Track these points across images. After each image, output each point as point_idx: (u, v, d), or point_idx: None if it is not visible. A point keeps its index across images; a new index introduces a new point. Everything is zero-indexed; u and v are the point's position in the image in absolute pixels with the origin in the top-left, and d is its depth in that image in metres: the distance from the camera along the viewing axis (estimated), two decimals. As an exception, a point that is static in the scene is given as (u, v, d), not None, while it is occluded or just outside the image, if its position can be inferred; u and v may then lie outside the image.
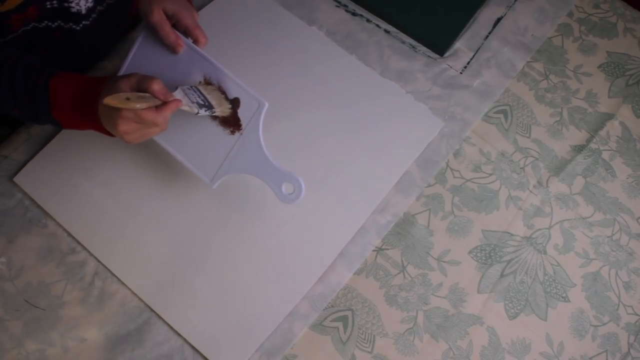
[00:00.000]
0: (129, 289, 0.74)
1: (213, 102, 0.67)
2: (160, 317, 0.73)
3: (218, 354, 0.72)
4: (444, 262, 0.80)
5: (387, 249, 0.80)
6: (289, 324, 0.74)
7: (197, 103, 0.65)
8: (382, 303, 0.77)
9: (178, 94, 0.63)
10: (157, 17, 0.66)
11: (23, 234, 0.75)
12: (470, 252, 0.81)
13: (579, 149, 0.89)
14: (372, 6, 0.94)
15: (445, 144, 0.86)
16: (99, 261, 0.75)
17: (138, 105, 0.58)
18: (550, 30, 0.97)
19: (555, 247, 0.82)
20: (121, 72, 0.70)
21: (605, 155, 0.89)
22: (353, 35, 0.92)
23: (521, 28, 0.96)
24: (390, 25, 0.94)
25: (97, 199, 0.77)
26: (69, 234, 0.76)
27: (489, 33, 0.95)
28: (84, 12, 0.72)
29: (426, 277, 0.79)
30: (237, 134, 0.70)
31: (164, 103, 0.61)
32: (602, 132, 0.90)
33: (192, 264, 0.75)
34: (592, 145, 0.89)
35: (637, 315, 0.79)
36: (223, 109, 0.69)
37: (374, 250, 0.79)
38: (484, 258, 0.81)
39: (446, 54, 0.92)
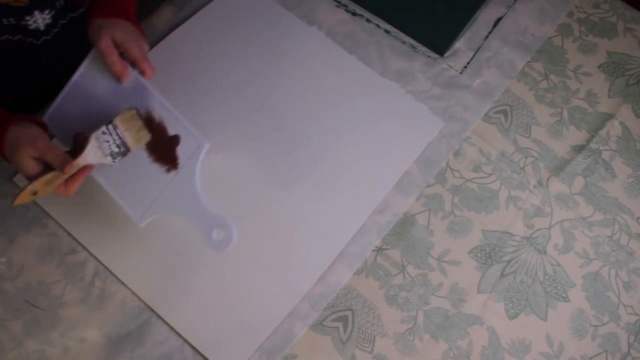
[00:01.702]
0: (129, 289, 0.74)
1: (129, 140, 0.65)
2: (160, 317, 0.73)
3: (218, 354, 0.72)
4: (444, 262, 0.80)
5: (387, 249, 0.80)
6: (289, 324, 0.74)
7: (112, 152, 0.64)
8: (382, 303, 0.77)
9: (92, 148, 0.62)
10: (105, 44, 0.65)
11: (23, 234, 0.75)
12: (470, 252, 0.81)
13: (579, 149, 0.89)
14: (372, 6, 0.94)
15: (445, 144, 0.86)
16: (99, 261, 0.75)
17: (46, 193, 0.59)
18: (550, 30, 0.97)
19: (555, 247, 0.82)
20: (63, 93, 0.69)
21: (605, 155, 0.89)
22: (353, 35, 0.92)
23: (521, 28, 0.96)
24: (390, 25, 0.94)
25: (97, 199, 0.77)
26: (69, 234, 0.76)
27: (489, 33, 0.95)
28: (42, 28, 0.72)
29: (426, 277, 0.79)
30: (172, 172, 0.67)
31: (73, 175, 0.61)
32: (602, 132, 0.90)
33: (192, 264, 0.75)
34: (592, 145, 0.89)
35: (637, 315, 0.79)
36: (139, 143, 0.66)
37: (374, 250, 0.79)
38: (484, 258, 0.81)
39: (446, 54, 0.92)
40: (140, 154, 0.68)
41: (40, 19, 0.71)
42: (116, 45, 0.65)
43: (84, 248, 0.75)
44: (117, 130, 0.64)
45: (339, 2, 0.95)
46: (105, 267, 0.74)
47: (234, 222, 0.66)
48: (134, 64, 0.67)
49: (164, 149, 0.68)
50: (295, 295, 0.75)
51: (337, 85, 0.87)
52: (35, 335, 0.71)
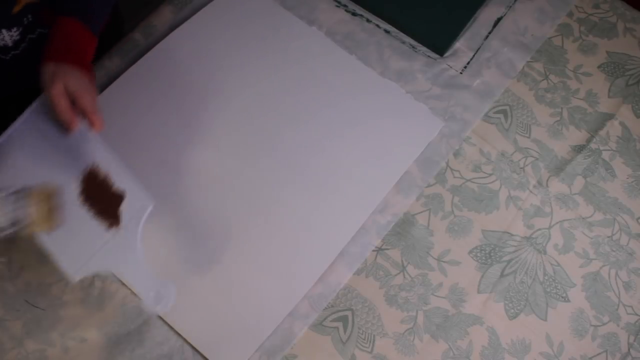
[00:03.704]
0: (129, 289, 0.74)
1: (33, 219, 0.60)
2: (160, 317, 0.73)
3: (218, 354, 0.72)
4: (444, 262, 0.80)
5: (387, 249, 0.80)
6: (289, 324, 0.74)
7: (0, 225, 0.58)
8: (382, 303, 0.77)
9: None
10: (56, 91, 0.62)
11: (23, 234, 0.75)
12: (470, 252, 0.81)
13: (579, 149, 0.89)
14: (372, 6, 0.94)
15: (445, 144, 0.86)
16: (99, 261, 0.75)
17: None
18: (550, 30, 0.97)
19: (555, 247, 0.82)
20: (7, 134, 0.66)
21: (605, 155, 0.89)
22: (353, 35, 0.92)
23: (521, 28, 0.96)
24: (390, 25, 0.94)
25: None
26: (69, 234, 0.76)
27: (489, 33, 0.95)
28: (10, 44, 0.72)
29: (426, 277, 0.79)
30: (114, 229, 0.64)
31: None
32: (602, 132, 0.90)
33: (192, 264, 0.75)
34: (592, 145, 0.89)
35: (637, 315, 0.79)
36: (41, 227, 0.61)
37: (374, 250, 0.79)
38: (484, 258, 0.81)
39: (446, 54, 0.92)
40: (78, 208, 0.65)
41: (7, 37, 0.70)
42: (68, 93, 0.63)
43: (84, 248, 0.75)
44: (23, 202, 0.59)
45: (339, 2, 0.95)
46: (105, 267, 0.74)
47: (174, 284, 0.65)
48: (83, 115, 0.65)
49: (106, 205, 0.65)
50: (295, 295, 0.75)
51: (337, 85, 0.87)
52: (35, 335, 0.71)
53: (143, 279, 0.65)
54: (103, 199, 0.65)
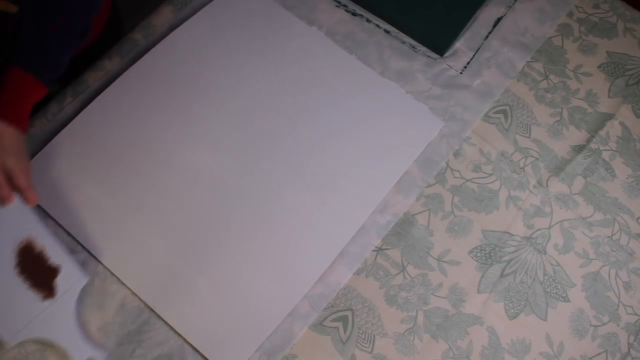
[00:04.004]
0: (129, 289, 0.74)
1: None
2: (160, 317, 0.73)
3: (218, 354, 0.72)
4: (444, 262, 0.80)
5: (387, 249, 0.80)
6: (289, 324, 0.74)
7: None
8: (382, 303, 0.77)
9: None
10: None
11: (23, 234, 0.75)
12: (470, 252, 0.81)
13: (579, 149, 0.89)
14: (372, 6, 0.94)
15: (445, 144, 0.86)
16: (98, 261, 0.75)
17: None
18: (550, 30, 0.97)
19: (555, 247, 0.82)
20: None
21: (605, 155, 0.89)
22: (353, 35, 0.92)
23: (521, 28, 0.96)
24: (390, 25, 0.94)
25: (97, 198, 0.77)
26: (69, 234, 0.76)
27: (489, 33, 0.95)
28: None
29: (426, 277, 0.79)
30: (49, 300, 0.68)
31: None
32: (602, 132, 0.90)
33: (192, 264, 0.75)
34: (592, 145, 0.89)
35: (637, 315, 0.79)
36: None
37: (374, 250, 0.79)
38: (484, 258, 0.81)
39: (446, 54, 0.92)
40: (14, 279, 0.69)
41: None
42: (6, 169, 0.66)
43: (84, 248, 0.75)
44: None
45: (339, 2, 0.95)
46: (105, 267, 0.74)
47: (107, 351, 0.69)
48: (18, 191, 0.67)
49: (42, 277, 0.69)
50: (295, 295, 0.75)
51: (336, 85, 0.87)
52: (35, 335, 0.71)
53: (78, 346, 0.68)
54: (39, 272, 0.69)
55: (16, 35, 0.68)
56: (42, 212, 0.75)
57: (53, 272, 0.69)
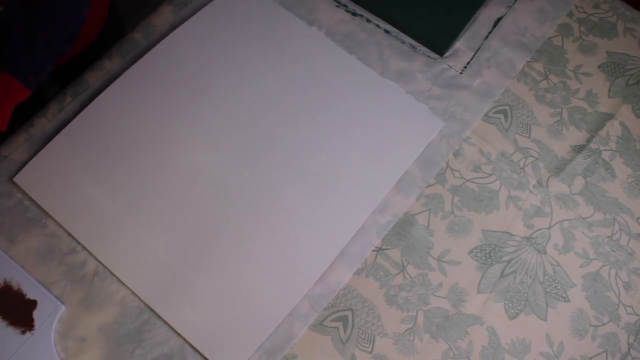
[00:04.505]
0: (129, 289, 0.74)
1: None
2: (160, 317, 0.73)
3: (218, 354, 0.72)
4: (444, 262, 0.80)
5: (387, 249, 0.80)
6: (289, 324, 0.74)
7: None
8: (382, 303, 0.77)
9: None
10: None
11: (23, 234, 0.75)
12: (470, 252, 0.81)
13: (579, 149, 0.89)
14: (372, 6, 0.94)
15: (445, 144, 0.86)
16: (99, 261, 0.75)
17: None
18: (550, 30, 0.97)
19: (555, 247, 0.82)
20: None
21: (605, 155, 0.89)
22: (353, 35, 0.92)
23: (521, 28, 0.96)
24: (390, 25, 0.94)
25: (97, 199, 0.77)
26: (69, 234, 0.76)
27: (489, 33, 0.95)
28: None
29: (426, 277, 0.79)
30: (28, 333, 0.71)
31: None
32: (602, 132, 0.90)
33: (192, 264, 0.75)
34: (592, 145, 0.89)
35: (637, 315, 0.79)
36: None
37: (374, 250, 0.79)
38: (484, 258, 0.81)
39: (446, 54, 0.92)
40: None
41: None
42: None
43: (84, 248, 0.75)
44: None
45: (339, 2, 0.95)
46: (105, 267, 0.74)
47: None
48: None
49: (20, 313, 0.71)
50: (295, 295, 0.75)
51: (336, 85, 0.87)
52: (35, 335, 0.71)
53: None
54: (17, 310, 0.72)
55: (1, 37, 0.68)
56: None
57: (31, 305, 0.72)
